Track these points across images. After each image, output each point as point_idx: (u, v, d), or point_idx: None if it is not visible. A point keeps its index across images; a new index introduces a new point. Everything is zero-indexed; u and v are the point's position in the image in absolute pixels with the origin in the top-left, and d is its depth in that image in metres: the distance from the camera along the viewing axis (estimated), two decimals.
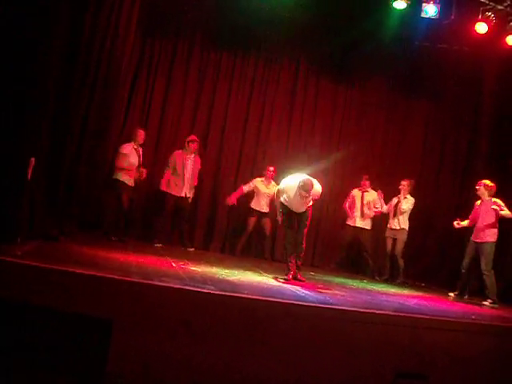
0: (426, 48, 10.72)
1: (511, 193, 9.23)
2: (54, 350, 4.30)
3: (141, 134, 9.32)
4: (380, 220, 10.69)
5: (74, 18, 7.11)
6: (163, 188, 9.65)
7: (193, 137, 9.87)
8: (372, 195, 10.57)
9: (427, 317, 5.91)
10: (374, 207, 10.50)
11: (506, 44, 9.66)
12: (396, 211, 10.06)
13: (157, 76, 10.56)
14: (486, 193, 8.68)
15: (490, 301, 8.30)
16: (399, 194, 10.15)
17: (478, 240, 8.64)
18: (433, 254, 11.20)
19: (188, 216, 10.01)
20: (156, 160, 10.35)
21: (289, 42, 11.05)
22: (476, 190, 8.82)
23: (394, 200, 10.19)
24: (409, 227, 10.00)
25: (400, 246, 9.94)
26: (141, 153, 9.32)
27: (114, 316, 4.33)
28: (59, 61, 6.72)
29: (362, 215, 10.54)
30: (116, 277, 4.77)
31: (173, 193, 9.61)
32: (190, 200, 9.87)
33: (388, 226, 10.20)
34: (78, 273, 4.59)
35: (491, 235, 8.55)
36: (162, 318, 4.51)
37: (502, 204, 8.52)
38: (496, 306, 8.17)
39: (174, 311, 4.58)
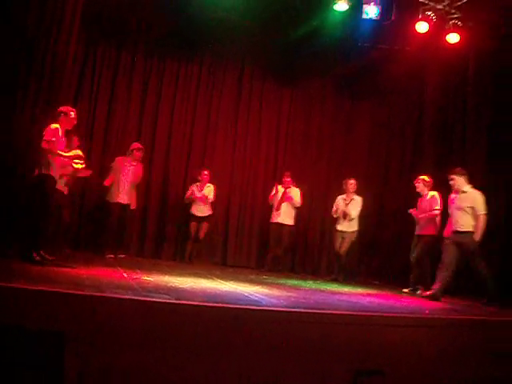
0: (368, 48, 10.83)
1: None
2: (7, 367, 4.16)
3: (75, 141, 8.60)
4: None
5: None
6: (106, 197, 9.51)
7: (138, 144, 9.73)
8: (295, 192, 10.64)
9: (381, 314, 5.95)
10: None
11: (447, 42, 9.82)
12: (344, 212, 10.06)
13: (100, 85, 10.50)
14: (426, 188, 8.99)
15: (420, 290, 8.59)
16: (344, 193, 10.17)
17: (418, 233, 8.96)
18: (385, 252, 11.30)
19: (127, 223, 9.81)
20: (102, 169, 10.20)
21: (232, 46, 11.05)
22: (416, 186, 9.09)
23: (340, 201, 10.17)
24: (360, 226, 10.03)
25: (347, 246, 9.98)
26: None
27: (67, 331, 4.21)
28: None
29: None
30: (66, 291, 4.64)
31: (114, 200, 9.45)
32: (131, 207, 9.69)
33: (337, 226, 10.16)
34: (27, 289, 4.45)
35: (430, 229, 8.84)
36: (117, 331, 4.41)
37: (438, 202, 8.82)
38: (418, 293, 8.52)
39: (128, 322, 4.48)
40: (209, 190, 10.37)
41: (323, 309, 5.82)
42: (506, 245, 9.35)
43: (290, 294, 6.94)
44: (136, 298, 4.86)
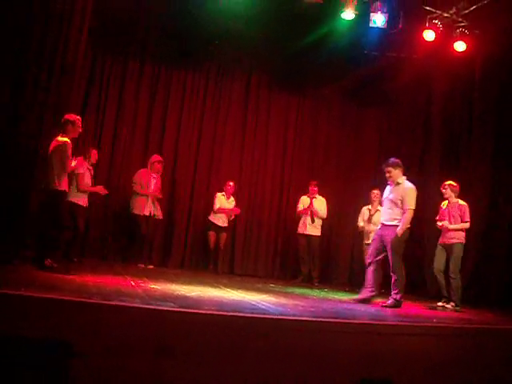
0: (375, 56, 10.83)
1: (462, 191, 9.35)
2: (12, 376, 4.16)
3: (94, 154, 9.11)
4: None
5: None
6: (133, 210, 9.70)
7: (158, 157, 9.94)
8: (320, 202, 10.63)
9: (388, 323, 5.94)
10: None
11: (454, 50, 9.83)
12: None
13: (108, 95, 10.55)
14: (453, 194, 8.65)
15: (452, 304, 8.26)
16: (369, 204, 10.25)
17: (446, 241, 8.55)
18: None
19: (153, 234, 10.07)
20: (109, 179, 10.25)
21: (239, 55, 11.07)
22: (443, 192, 8.74)
23: (366, 211, 10.19)
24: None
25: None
26: (93, 173, 9.11)
27: (75, 340, 4.21)
28: None
29: (312, 222, 10.55)
30: (74, 299, 4.65)
31: (141, 213, 9.64)
32: (157, 218, 9.92)
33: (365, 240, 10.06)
34: (35, 297, 4.46)
35: (459, 237, 8.48)
36: (123, 339, 4.40)
37: (467, 210, 8.54)
38: (458, 309, 8.14)
39: (135, 331, 4.48)
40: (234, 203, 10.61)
41: (331, 317, 5.81)
42: None
43: (297, 302, 6.94)
44: (143, 306, 4.86)
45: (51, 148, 7.07)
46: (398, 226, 7.49)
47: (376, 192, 9.99)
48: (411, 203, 7.55)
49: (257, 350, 4.76)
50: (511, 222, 9.51)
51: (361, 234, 10.29)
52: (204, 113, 11.17)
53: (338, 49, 10.38)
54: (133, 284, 6.69)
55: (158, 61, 10.82)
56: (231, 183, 10.38)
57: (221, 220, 10.41)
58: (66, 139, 7.04)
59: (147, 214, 9.66)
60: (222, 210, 10.37)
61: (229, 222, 10.53)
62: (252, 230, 11.33)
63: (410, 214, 7.52)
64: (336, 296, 8.59)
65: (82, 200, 8.72)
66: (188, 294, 6.39)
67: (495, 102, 9.81)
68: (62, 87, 8.01)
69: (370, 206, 10.14)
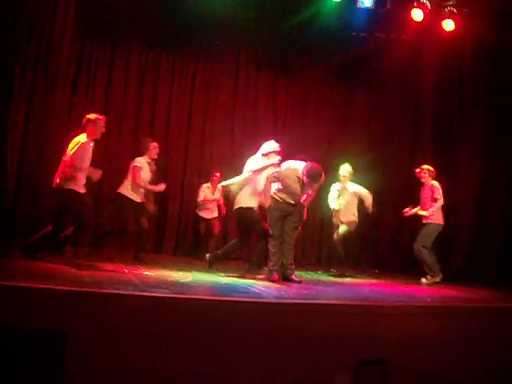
0: (363, 37, 10.79)
1: (454, 172, 9.74)
2: (7, 367, 4.15)
3: (154, 148, 8.44)
4: None
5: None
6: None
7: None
8: None
9: (382, 303, 5.96)
10: None
11: (443, 30, 9.80)
12: None
13: (96, 81, 10.44)
14: (430, 179, 8.81)
15: (428, 277, 8.58)
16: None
17: (423, 221, 8.80)
18: (386, 244, 11.33)
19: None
20: (102, 166, 10.15)
21: (227, 38, 10.97)
22: (420, 177, 8.89)
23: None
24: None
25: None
26: (154, 169, 8.57)
27: (69, 328, 4.20)
28: None
29: None
30: (68, 288, 4.64)
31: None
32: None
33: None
34: (29, 287, 4.44)
35: (432, 217, 8.68)
36: (118, 326, 4.40)
37: (439, 191, 8.69)
38: (431, 281, 8.48)
39: (129, 318, 4.47)
40: (220, 193, 10.21)
41: (325, 299, 5.82)
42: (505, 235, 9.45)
43: (290, 285, 6.94)
44: (137, 293, 4.85)
45: (67, 145, 6.86)
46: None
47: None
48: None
49: (252, 334, 4.77)
50: (503, 202, 9.55)
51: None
52: (193, 96, 11.11)
53: (326, 30, 10.37)
54: (126, 271, 6.69)
55: (146, 45, 10.74)
56: (218, 174, 10.11)
57: (208, 212, 10.25)
58: (80, 139, 6.81)
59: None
60: (206, 202, 10.24)
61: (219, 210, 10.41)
62: None
63: None
64: (330, 278, 8.60)
65: (135, 196, 8.20)
66: (182, 280, 6.39)
67: (486, 81, 9.83)
68: (49, 67, 7.94)
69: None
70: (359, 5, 9.75)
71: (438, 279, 8.54)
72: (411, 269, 9.43)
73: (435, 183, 8.78)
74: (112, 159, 10.25)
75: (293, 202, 7.24)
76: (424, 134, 10.90)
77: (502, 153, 9.65)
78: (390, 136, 11.74)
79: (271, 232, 7.17)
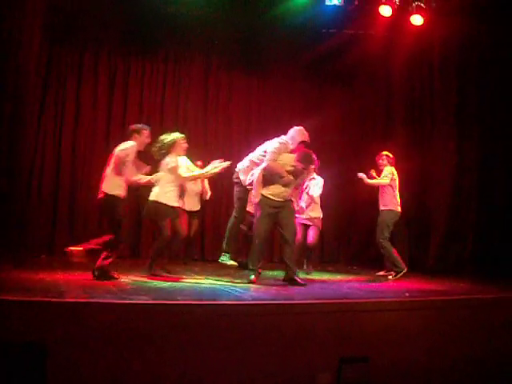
0: (333, 34, 10.81)
1: (426, 153, 9.99)
2: None
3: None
4: None
5: None
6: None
7: None
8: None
9: (362, 300, 5.97)
10: None
11: (411, 25, 9.90)
12: None
13: (66, 87, 10.35)
14: (388, 164, 8.77)
15: (393, 273, 8.47)
16: None
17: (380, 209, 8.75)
18: (362, 237, 11.34)
19: None
20: (73, 173, 10.12)
21: (196, 39, 10.95)
22: (379, 163, 8.85)
23: None
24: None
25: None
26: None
27: (49, 340, 4.15)
28: None
29: None
30: (44, 299, 4.58)
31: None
32: None
33: None
34: (4, 299, 4.37)
35: (386, 203, 8.64)
36: (97, 335, 4.35)
37: (387, 174, 8.63)
38: (391, 277, 8.37)
39: (108, 327, 4.42)
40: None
41: (304, 299, 5.81)
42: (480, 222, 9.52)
43: (269, 286, 6.92)
44: (114, 301, 4.80)
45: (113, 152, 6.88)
46: None
47: None
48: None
49: (234, 336, 4.76)
50: (478, 187, 9.64)
51: None
52: (164, 100, 11.03)
53: (295, 28, 10.35)
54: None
55: (114, 50, 10.65)
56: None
57: (191, 204, 9.90)
58: (126, 145, 6.89)
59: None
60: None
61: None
62: (220, 215, 11.20)
63: None
64: (308, 276, 8.58)
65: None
66: (160, 286, 6.34)
67: (456, 72, 9.89)
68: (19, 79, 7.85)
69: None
70: (328, 2, 9.79)
71: (402, 272, 8.39)
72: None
73: (388, 169, 8.70)
74: (85, 162, 10.19)
75: None
76: (396, 125, 10.98)
77: (472, 136, 9.75)
78: (363, 128, 11.80)
79: None
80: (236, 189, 7.78)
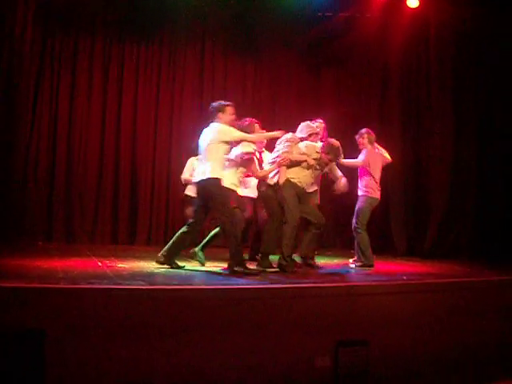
0: (329, 17, 10.74)
1: (423, 133, 10.04)
2: None
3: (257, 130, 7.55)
4: None
5: None
6: None
7: None
8: None
9: (361, 283, 5.96)
10: None
11: (407, 7, 9.90)
12: None
13: (61, 75, 10.26)
14: (369, 144, 8.02)
15: (359, 263, 7.76)
16: None
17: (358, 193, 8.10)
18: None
19: None
20: (69, 158, 10.07)
21: (191, 24, 10.82)
22: (359, 142, 8.10)
23: None
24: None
25: None
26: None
27: (47, 327, 4.13)
28: None
29: None
30: (41, 285, 4.56)
31: None
32: None
33: None
34: (1, 286, 4.35)
35: (363, 189, 7.97)
36: (95, 322, 4.33)
37: (366, 155, 7.92)
38: (369, 268, 7.59)
39: (106, 312, 4.40)
40: None
41: (301, 283, 5.80)
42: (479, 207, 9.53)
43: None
44: (111, 286, 4.78)
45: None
46: None
47: None
48: None
49: (232, 320, 4.75)
50: (476, 169, 9.64)
51: None
52: (160, 86, 10.94)
53: (292, 11, 10.29)
54: (100, 265, 6.59)
55: (109, 36, 10.55)
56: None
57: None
58: (217, 125, 6.84)
59: None
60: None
61: None
62: None
63: None
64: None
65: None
66: (156, 271, 6.32)
67: (452, 54, 9.89)
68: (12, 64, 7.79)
69: None
70: None
71: (368, 265, 7.60)
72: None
73: (366, 151, 7.99)
74: (80, 148, 10.19)
75: None
76: (392, 108, 10.91)
77: (469, 120, 9.73)
78: (359, 112, 11.73)
79: None
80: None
